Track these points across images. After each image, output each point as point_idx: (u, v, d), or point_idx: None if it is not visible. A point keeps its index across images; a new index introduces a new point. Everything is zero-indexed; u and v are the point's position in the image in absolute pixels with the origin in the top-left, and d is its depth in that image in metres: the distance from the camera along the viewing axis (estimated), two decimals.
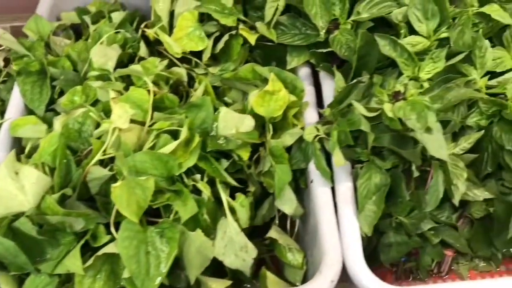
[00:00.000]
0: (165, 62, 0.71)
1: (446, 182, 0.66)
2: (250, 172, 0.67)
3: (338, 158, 0.57)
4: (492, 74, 0.71)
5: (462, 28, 0.67)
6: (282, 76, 0.70)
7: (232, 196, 0.66)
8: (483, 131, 0.67)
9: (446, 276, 0.75)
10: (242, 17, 0.73)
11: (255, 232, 0.70)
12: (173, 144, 0.59)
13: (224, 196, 0.58)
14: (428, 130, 0.60)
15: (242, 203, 0.58)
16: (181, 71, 0.74)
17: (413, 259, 0.74)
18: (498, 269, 0.75)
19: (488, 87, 0.70)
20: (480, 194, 0.70)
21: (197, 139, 0.61)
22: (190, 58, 0.75)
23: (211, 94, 0.70)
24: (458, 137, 0.68)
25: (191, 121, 0.63)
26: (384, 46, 0.65)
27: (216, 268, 0.61)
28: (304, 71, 0.73)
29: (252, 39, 0.70)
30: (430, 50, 0.68)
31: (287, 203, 0.63)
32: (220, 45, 0.72)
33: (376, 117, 0.62)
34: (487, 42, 0.68)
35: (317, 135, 0.62)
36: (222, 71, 0.72)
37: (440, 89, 0.62)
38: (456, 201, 0.66)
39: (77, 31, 0.85)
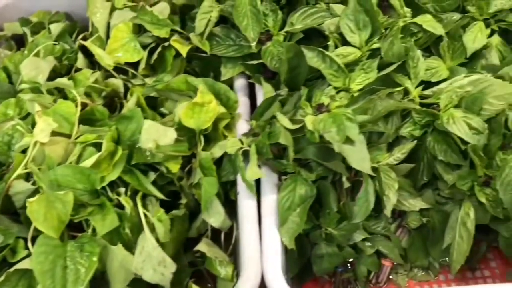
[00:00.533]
0: (97, 73, 0.71)
1: (380, 192, 0.66)
2: (182, 184, 0.67)
3: (251, 171, 0.57)
4: (428, 84, 0.72)
5: (392, 39, 0.67)
6: (215, 88, 0.70)
7: (169, 209, 0.67)
8: (415, 142, 0.67)
9: (384, 286, 0.75)
10: (177, 28, 0.73)
11: (191, 244, 0.70)
12: (94, 157, 0.59)
13: (142, 210, 0.58)
14: (351, 142, 0.60)
15: (160, 218, 0.58)
16: (117, 82, 0.74)
17: (351, 270, 0.74)
18: (436, 278, 0.76)
19: (423, 97, 0.71)
20: (416, 204, 0.71)
21: (120, 152, 0.61)
22: (127, 69, 0.75)
23: (143, 105, 0.70)
24: (393, 147, 0.69)
25: (113, 134, 0.63)
26: (312, 58, 0.65)
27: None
28: (240, 82, 0.73)
29: (184, 50, 0.70)
30: (361, 60, 0.68)
31: (214, 216, 0.63)
32: (154, 56, 0.72)
33: (301, 129, 0.62)
34: (419, 52, 0.69)
35: (241, 148, 0.62)
36: (156, 82, 0.72)
37: (364, 101, 0.62)
38: (388, 211, 0.66)
39: (21, 42, 0.84)
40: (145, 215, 0.58)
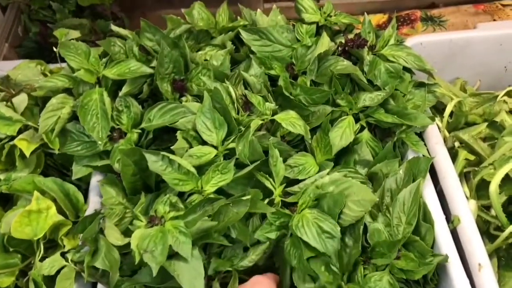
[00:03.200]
0: None
1: None
2: None
3: None
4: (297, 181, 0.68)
5: (244, 141, 0.63)
6: (64, 188, 0.66)
7: None
8: (267, 243, 0.62)
9: None
10: (31, 124, 0.69)
11: None
12: None
13: None
14: (183, 259, 0.55)
15: None
16: None
17: None
18: None
19: (290, 194, 0.66)
20: None
21: None
22: None
23: None
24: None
25: None
26: (155, 162, 0.60)
27: None
28: (95, 180, 0.68)
29: (29, 150, 0.66)
30: (216, 161, 0.64)
31: None
32: (3, 154, 0.68)
33: None
34: (277, 151, 0.64)
35: (64, 266, 0.57)
36: (4, 182, 0.67)
37: (200, 212, 0.58)
38: None
39: None
40: None
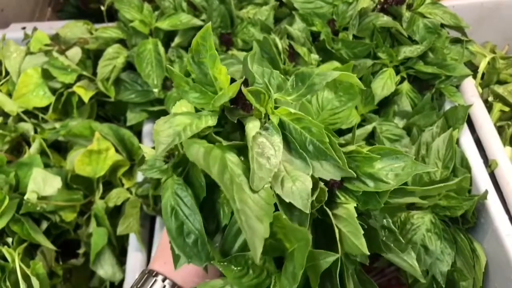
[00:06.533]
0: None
1: None
2: (79, 233, 0.66)
3: (123, 226, 0.56)
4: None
5: None
6: (120, 133, 0.69)
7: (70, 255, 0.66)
8: None
9: None
10: (86, 74, 0.72)
11: None
12: None
13: (18, 262, 0.56)
14: None
15: (35, 271, 0.56)
16: (26, 127, 0.73)
17: None
18: None
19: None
20: None
21: (6, 201, 0.59)
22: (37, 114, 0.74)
23: (46, 151, 0.69)
24: None
25: (10, 181, 0.62)
26: None
27: None
28: (148, 128, 0.72)
29: (86, 96, 0.69)
30: None
31: (104, 268, 0.61)
32: (61, 101, 0.72)
33: None
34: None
35: (128, 198, 0.61)
36: (61, 128, 0.71)
37: None
38: None
39: None
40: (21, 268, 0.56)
